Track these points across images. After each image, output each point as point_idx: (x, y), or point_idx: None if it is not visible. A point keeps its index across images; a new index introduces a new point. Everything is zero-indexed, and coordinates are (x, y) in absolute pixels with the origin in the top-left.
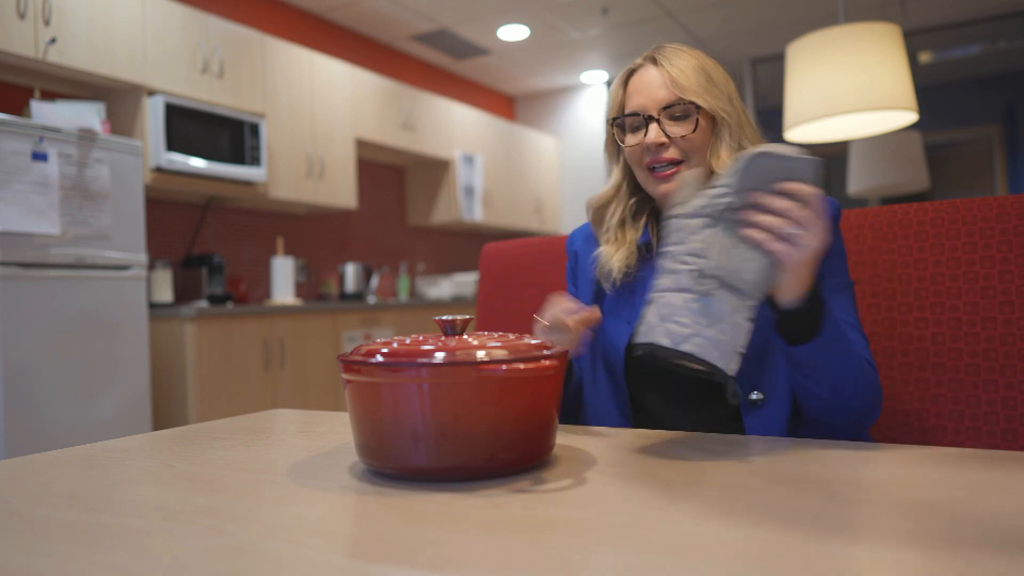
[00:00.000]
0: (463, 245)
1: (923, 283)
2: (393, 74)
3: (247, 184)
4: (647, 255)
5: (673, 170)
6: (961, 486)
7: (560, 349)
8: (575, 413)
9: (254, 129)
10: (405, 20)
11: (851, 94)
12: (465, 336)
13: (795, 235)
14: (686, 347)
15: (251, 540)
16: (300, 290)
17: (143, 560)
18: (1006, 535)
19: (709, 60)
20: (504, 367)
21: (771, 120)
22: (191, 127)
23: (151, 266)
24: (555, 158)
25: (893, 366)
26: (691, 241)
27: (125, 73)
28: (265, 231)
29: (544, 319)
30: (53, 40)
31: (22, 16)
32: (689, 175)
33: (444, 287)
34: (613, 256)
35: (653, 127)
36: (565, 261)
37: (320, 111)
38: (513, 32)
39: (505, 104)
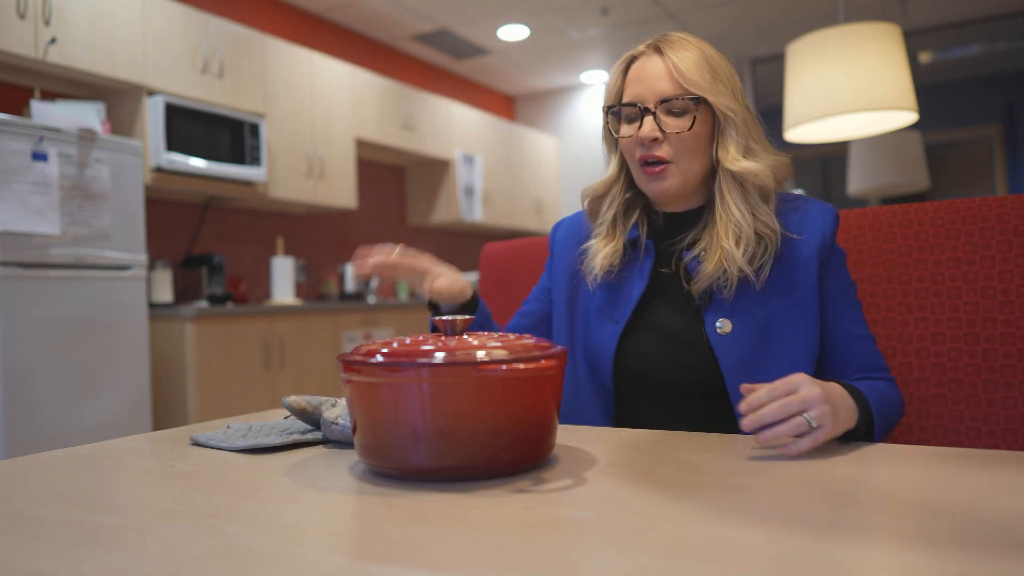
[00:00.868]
0: (463, 245)
1: (923, 283)
2: (393, 74)
3: (247, 184)
4: (633, 253)
5: (660, 168)
6: (961, 486)
7: (558, 350)
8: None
9: (254, 129)
10: (405, 20)
11: (851, 94)
12: (465, 336)
13: (809, 430)
14: None
15: (251, 540)
16: (300, 290)
17: (143, 560)
18: (1006, 535)
19: (715, 53)
20: (504, 367)
21: (771, 120)
22: (191, 127)
23: (151, 266)
24: (555, 158)
25: (893, 366)
26: None
27: (125, 73)
28: (265, 231)
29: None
30: (53, 40)
31: (22, 16)
32: None
33: None
34: (601, 251)
35: (648, 120)
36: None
37: (320, 111)
38: (513, 32)
39: (505, 104)
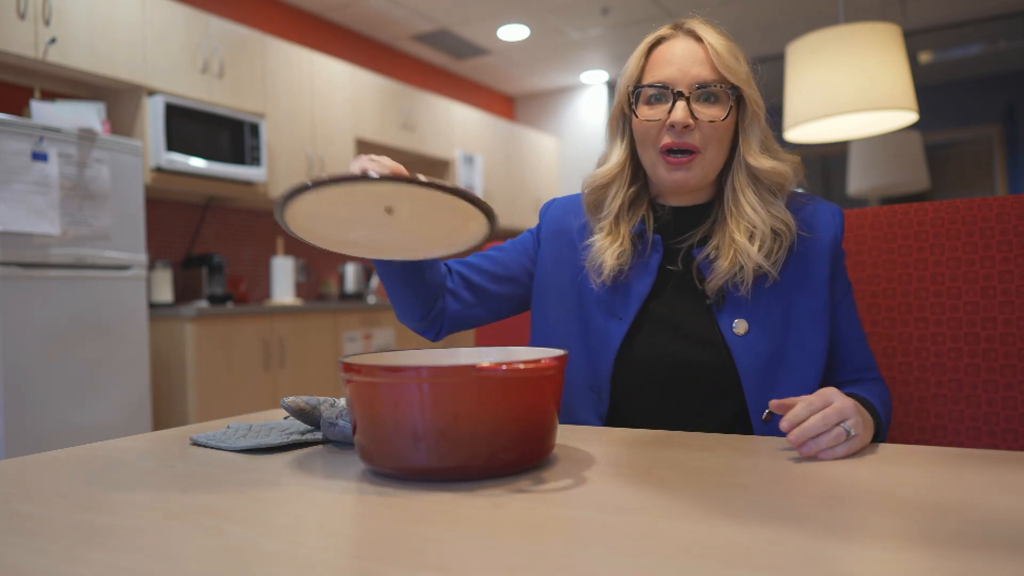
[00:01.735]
0: None
1: (923, 283)
2: (393, 74)
3: (247, 184)
4: (639, 248)
5: (687, 158)
6: (962, 486)
7: (559, 351)
8: (420, 299)
9: (254, 129)
10: (405, 20)
11: (851, 94)
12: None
13: (847, 439)
14: None
15: (251, 540)
16: (300, 290)
17: (143, 560)
18: (1006, 535)
19: (735, 43)
20: (504, 367)
21: (771, 120)
22: (191, 127)
23: (151, 266)
24: (555, 158)
25: (893, 366)
26: None
27: (125, 73)
28: (265, 231)
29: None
30: (53, 40)
31: (22, 16)
32: None
33: None
34: (607, 250)
35: (681, 105)
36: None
37: (320, 111)
38: (513, 32)
39: (505, 104)
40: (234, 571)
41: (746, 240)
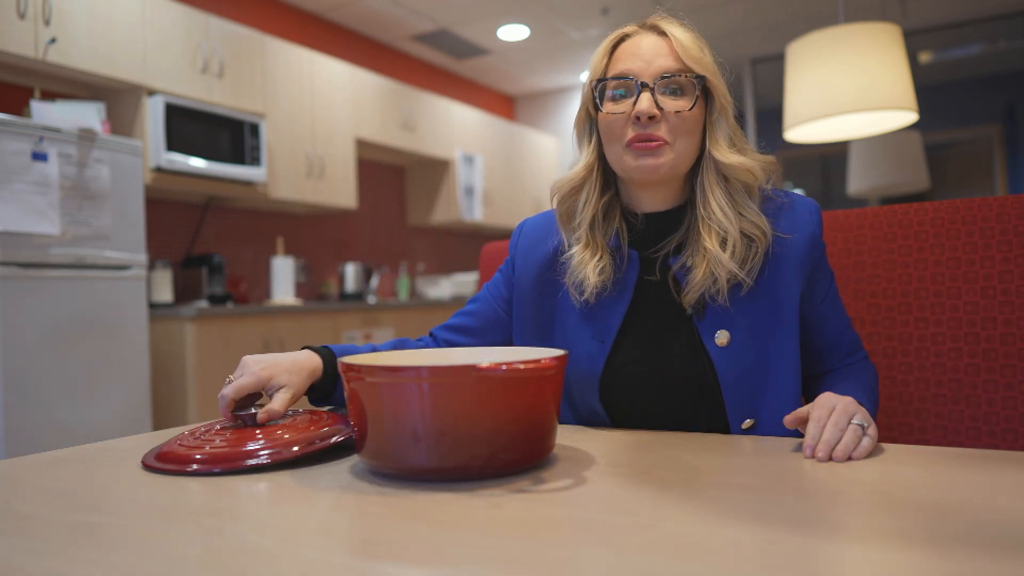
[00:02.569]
0: (463, 245)
1: (923, 283)
2: (393, 74)
3: (247, 184)
4: (618, 262)
5: (655, 144)
6: (961, 486)
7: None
8: None
9: (254, 129)
10: (405, 20)
11: (851, 94)
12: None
13: (863, 433)
14: None
15: (251, 540)
16: (300, 290)
17: (142, 560)
18: (1007, 535)
19: (701, 39)
20: (504, 367)
21: (771, 120)
22: (191, 127)
23: (151, 266)
24: (555, 158)
25: (893, 366)
26: None
27: (125, 73)
28: (265, 231)
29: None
30: (53, 40)
31: (22, 16)
32: None
33: (444, 287)
34: (588, 265)
35: (645, 96)
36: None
37: (320, 111)
38: (513, 32)
39: (505, 104)
40: (234, 571)
41: (718, 247)
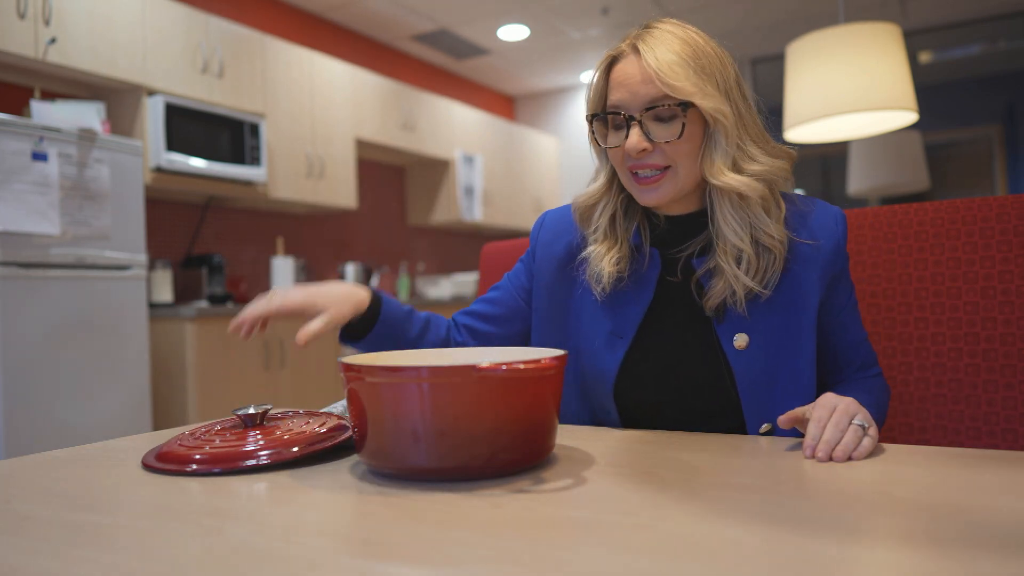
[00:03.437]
0: (463, 245)
1: (923, 283)
2: (393, 74)
3: (247, 184)
4: (636, 260)
5: (659, 176)
6: (961, 486)
7: (558, 354)
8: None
9: (254, 129)
10: (405, 20)
11: (851, 94)
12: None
13: (864, 433)
14: None
15: (251, 540)
16: None
17: (142, 560)
18: (1007, 535)
19: (703, 40)
20: (504, 367)
21: (771, 120)
22: (191, 127)
23: (151, 266)
24: (555, 158)
25: (893, 366)
26: None
27: (125, 73)
28: (265, 231)
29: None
30: (53, 40)
31: (22, 16)
32: None
33: (444, 287)
34: (604, 257)
35: (634, 131)
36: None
37: (320, 111)
38: (513, 32)
39: (505, 104)
40: (234, 571)
41: (734, 265)
